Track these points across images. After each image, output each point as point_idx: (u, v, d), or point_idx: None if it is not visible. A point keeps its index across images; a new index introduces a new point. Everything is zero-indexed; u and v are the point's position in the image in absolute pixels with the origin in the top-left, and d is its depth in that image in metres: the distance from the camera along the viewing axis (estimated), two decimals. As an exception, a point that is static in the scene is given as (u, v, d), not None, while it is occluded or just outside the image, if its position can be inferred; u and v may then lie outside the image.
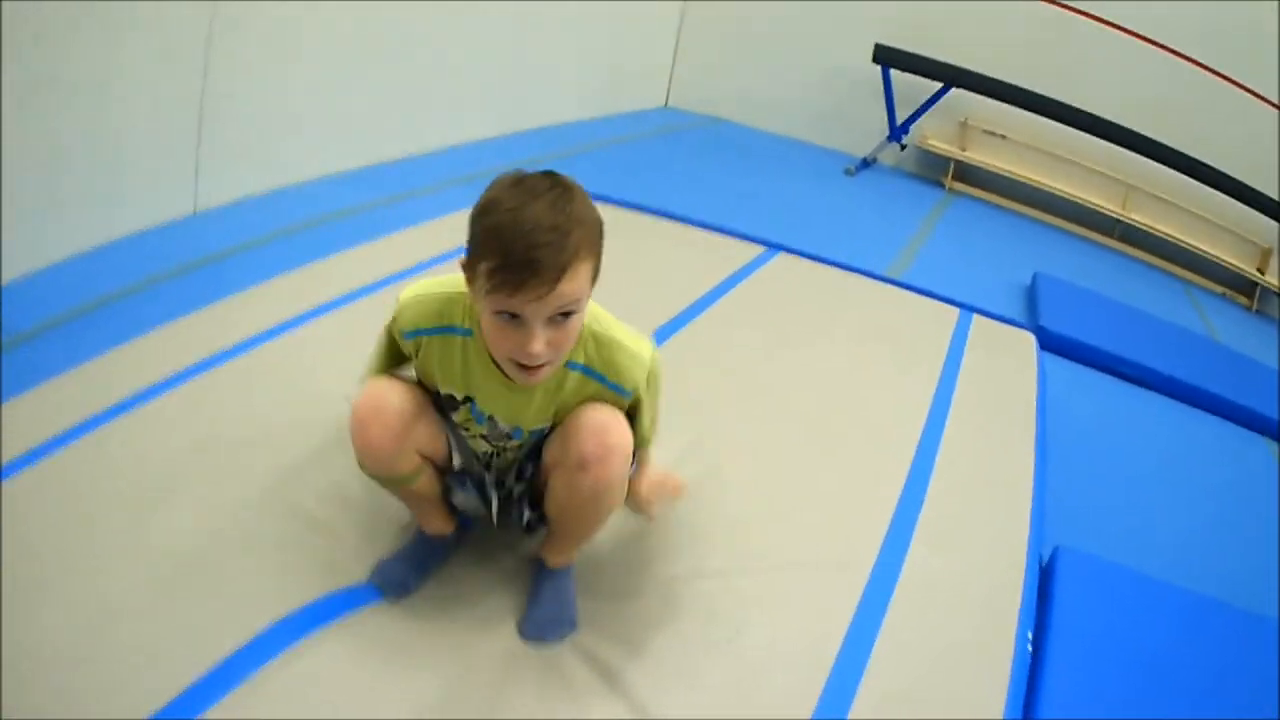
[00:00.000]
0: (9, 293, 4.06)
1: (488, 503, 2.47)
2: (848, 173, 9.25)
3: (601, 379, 2.24)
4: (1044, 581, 3.01)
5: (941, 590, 2.70)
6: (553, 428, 2.33)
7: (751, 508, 2.89)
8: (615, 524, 2.53)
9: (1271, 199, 8.56)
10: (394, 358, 2.37)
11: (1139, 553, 3.85)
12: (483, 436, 2.35)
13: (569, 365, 2.21)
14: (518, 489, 2.46)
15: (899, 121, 9.52)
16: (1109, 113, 8.77)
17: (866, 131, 9.73)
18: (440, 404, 2.33)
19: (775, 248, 5.09)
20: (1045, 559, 3.14)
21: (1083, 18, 9.10)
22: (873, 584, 2.65)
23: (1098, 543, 3.72)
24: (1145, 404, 5.53)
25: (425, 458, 2.34)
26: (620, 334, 2.27)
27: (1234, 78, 8.77)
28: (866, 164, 9.58)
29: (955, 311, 4.77)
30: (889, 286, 5.00)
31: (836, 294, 4.76)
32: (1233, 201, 8.70)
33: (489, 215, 1.98)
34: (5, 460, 2.51)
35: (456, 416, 2.34)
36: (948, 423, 3.64)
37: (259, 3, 5.20)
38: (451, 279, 2.22)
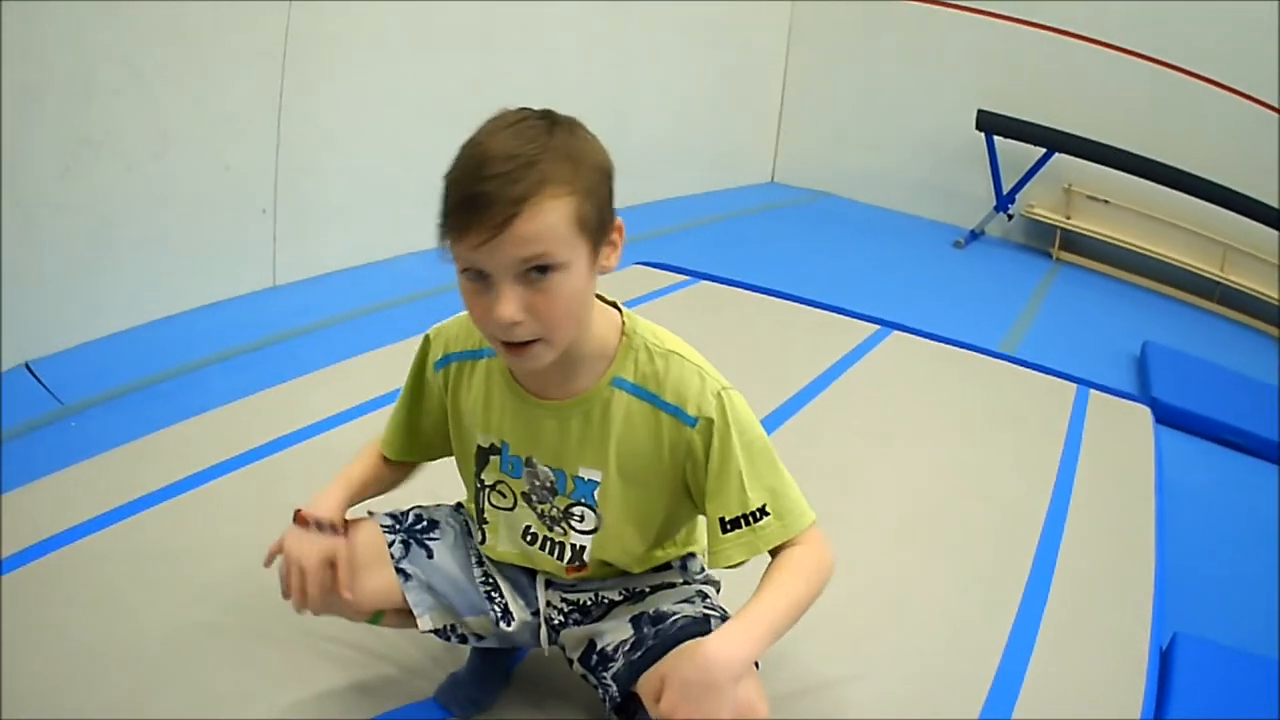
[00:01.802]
0: (71, 358, 4.17)
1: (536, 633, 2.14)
2: (957, 245, 9.23)
3: (656, 399, 1.88)
4: (1164, 670, 2.95)
5: (1063, 693, 2.66)
6: (642, 653, 1.95)
7: (868, 612, 2.83)
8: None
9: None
10: (416, 408, 2.11)
11: (1261, 629, 3.75)
12: (524, 498, 2.01)
13: (615, 383, 1.89)
14: (599, 691, 2.04)
15: (1005, 190, 9.51)
16: (1204, 170, 8.69)
17: (973, 202, 9.71)
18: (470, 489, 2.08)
19: (888, 326, 5.13)
20: (1165, 645, 3.09)
21: (1175, 73, 9.05)
22: (994, 694, 2.60)
23: (1219, 622, 3.66)
24: (1259, 473, 5.41)
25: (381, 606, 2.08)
26: (683, 349, 1.93)
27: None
28: (975, 236, 9.56)
29: (1072, 388, 4.79)
30: (1004, 363, 5.01)
31: (952, 373, 4.79)
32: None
33: (455, 158, 1.69)
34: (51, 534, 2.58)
35: (488, 478, 2.03)
36: (1069, 509, 3.62)
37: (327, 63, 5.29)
38: None
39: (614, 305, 1.95)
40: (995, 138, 9.32)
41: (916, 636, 2.77)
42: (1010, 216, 9.70)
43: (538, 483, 1.98)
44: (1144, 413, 4.71)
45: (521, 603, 2.13)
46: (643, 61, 8.01)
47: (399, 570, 2.05)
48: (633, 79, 7.85)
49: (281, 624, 2.34)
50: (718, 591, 2.18)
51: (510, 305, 1.65)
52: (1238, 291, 8.93)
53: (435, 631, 2.10)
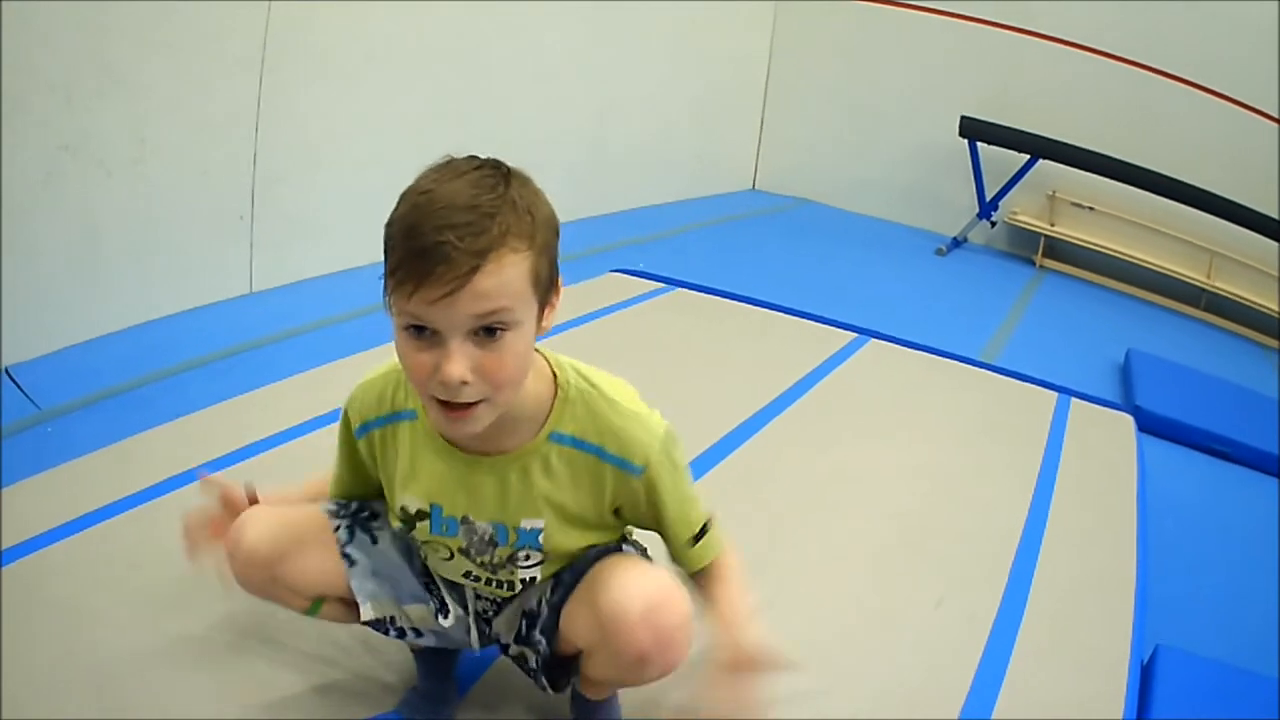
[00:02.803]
0: (50, 363, 4.16)
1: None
2: (939, 253, 9.19)
3: (599, 451, 1.83)
4: (1144, 683, 2.88)
5: (1040, 708, 2.58)
6: (561, 589, 1.96)
7: (840, 622, 2.76)
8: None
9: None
10: (354, 468, 2.04)
11: (1246, 642, 3.71)
12: (462, 552, 1.95)
13: (553, 438, 1.83)
14: (532, 658, 2.03)
15: (988, 198, 9.47)
16: (1190, 175, 8.67)
17: (956, 209, 9.68)
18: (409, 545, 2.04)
19: (865, 334, 5.06)
20: (1146, 658, 3.02)
21: (1162, 78, 9.00)
22: (968, 709, 2.52)
23: (1202, 633, 3.62)
24: (1245, 483, 5.36)
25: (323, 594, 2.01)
26: (619, 394, 1.87)
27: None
28: (957, 243, 9.52)
29: (1053, 396, 4.73)
30: (984, 372, 4.96)
31: (930, 382, 4.72)
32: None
33: (399, 202, 1.62)
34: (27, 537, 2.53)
35: (421, 536, 1.97)
36: (1049, 519, 3.55)
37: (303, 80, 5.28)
38: (393, 367, 1.88)
39: (540, 354, 1.87)
40: (979, 144, 9.28)
41: (888, 649, 2.70)
42: (993, 223, 9.66)
43: (476, 538, 1.92)
44: (1126, 421, 4.65)
45: (455, 599, 2.07)
46: (624, 68, 7.95)
47: (344, 555, 1.99)
48: (613, 86, 7.79)
49: (248, 634, 2.32)
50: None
51: (460, 365, 1.59)
52: (1224, 298, 8.90)
53: (374, 623, 2.03)
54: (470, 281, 1.53)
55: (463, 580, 2.02)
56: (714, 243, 8.19)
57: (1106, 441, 4.39)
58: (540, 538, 1.90)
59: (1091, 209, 9.35)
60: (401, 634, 2.07)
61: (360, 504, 2.07)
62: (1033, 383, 4.86)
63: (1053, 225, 9.52)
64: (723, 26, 9.52)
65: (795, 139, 10.47)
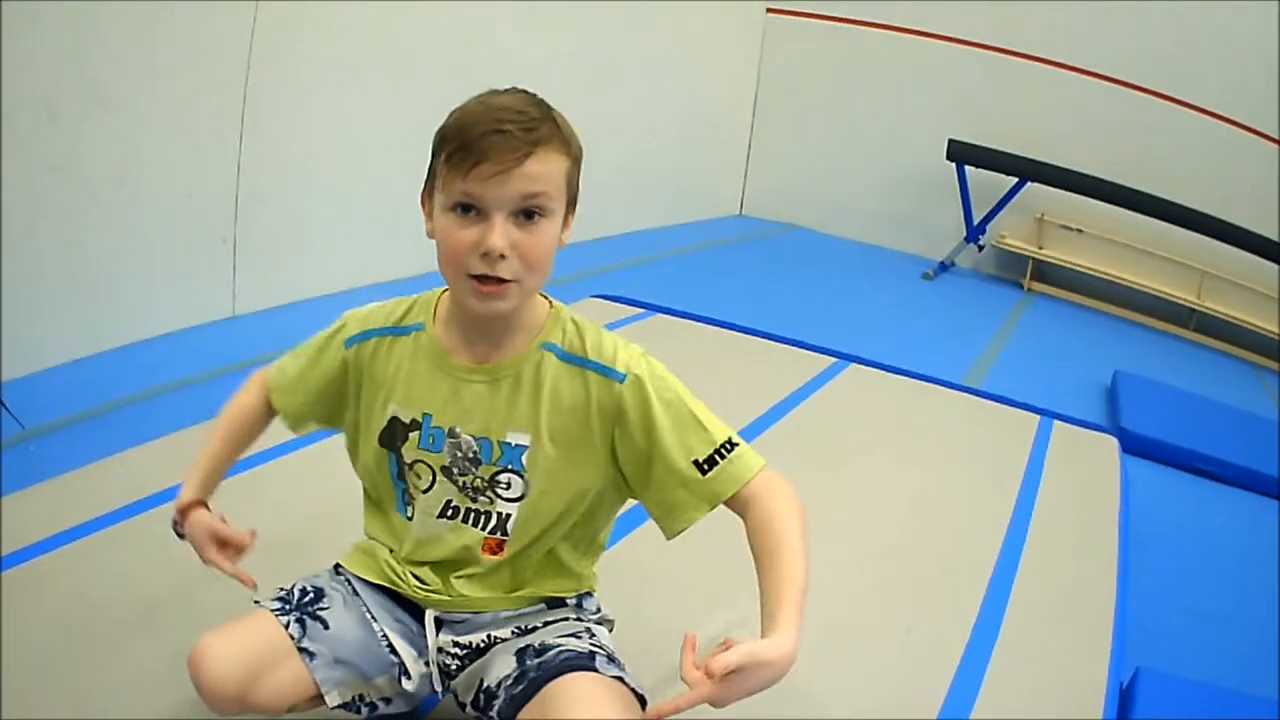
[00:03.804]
0: (34, 383, 4.17)
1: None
2: (926, 277, 9.18)
3: (583, 362, 1.91)
4: (1123, 706, 2.85)
5: None
6: (524, 684, 1.86)
7: (808, 647, 2.66)
8: (640, 666, 2.16)
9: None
10: (312, 379, 2.09)
11: (1231, 663, 3.71)
12: (444, 473, 1.96)
13: (545, 347, 1.92)
14: (487, 713, 1.95)
15: (975, 221, 9.45)
16: (1179, 196, 8.68)
17: (943, 233, 9.68)
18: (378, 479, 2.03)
19: (845, 359, 4.99)
20: (1126, 681, 2.97)
21: (1151, 97, 9.00)
22: None
23: (1186, 655, 3.62)
24: (1231, 503, 5.36)
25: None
26: (599, 327, 1.98)
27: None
28: (945, 267, 9.51)
29: (1035, 419, 4.66)
30: (965, 395, 4.92)
31: (909, 407, 4.66)
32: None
33: (449, 118, 1.81)
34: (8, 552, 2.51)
35: (407, 456, 1.98)
36: (1026, 542, 3.48)
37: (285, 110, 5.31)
38: (404, 298, 2.07)
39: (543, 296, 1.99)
40: (966, 168, 9.28)
41: (857, 674, 2.64)
42: (981, 247, 9.66)
43: (460, 454, 1.95)
44: (1110, 443, 4.58)
45: (414, 652, 2.03)
46: (609, 93, 7.92)
47: (302, 650, 1.94)
48: (598, 110, 7.68)
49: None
50: (610, 631, 2.11)
51: (502, 237, 1.74)
52: (1215, 319, 8.88)
53: (344, 705, 1.99)
54: (523, 164, 1.73)
55: (440, 527, 1.99)
56: (698, 268, 8.19)
57: (1089, 463, 4.33)
58: (524, 457, 1.92)
59: (1080, 231, 9.35)
60: (373, 708, 2.03)
61: (302, 589, 2.04)
62: (1014, 406, 4.80)
63: (1041, 248, 9.51)
64: (709, 51, 9.55)
65: (783, 164, 10.47)
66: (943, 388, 4.94)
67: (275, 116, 5.21)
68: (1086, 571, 3.40)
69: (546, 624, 2.03)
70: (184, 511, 2.04)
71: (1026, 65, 9.37)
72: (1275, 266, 8.49)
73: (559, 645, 1.93)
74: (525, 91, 1.84)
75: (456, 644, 2.03)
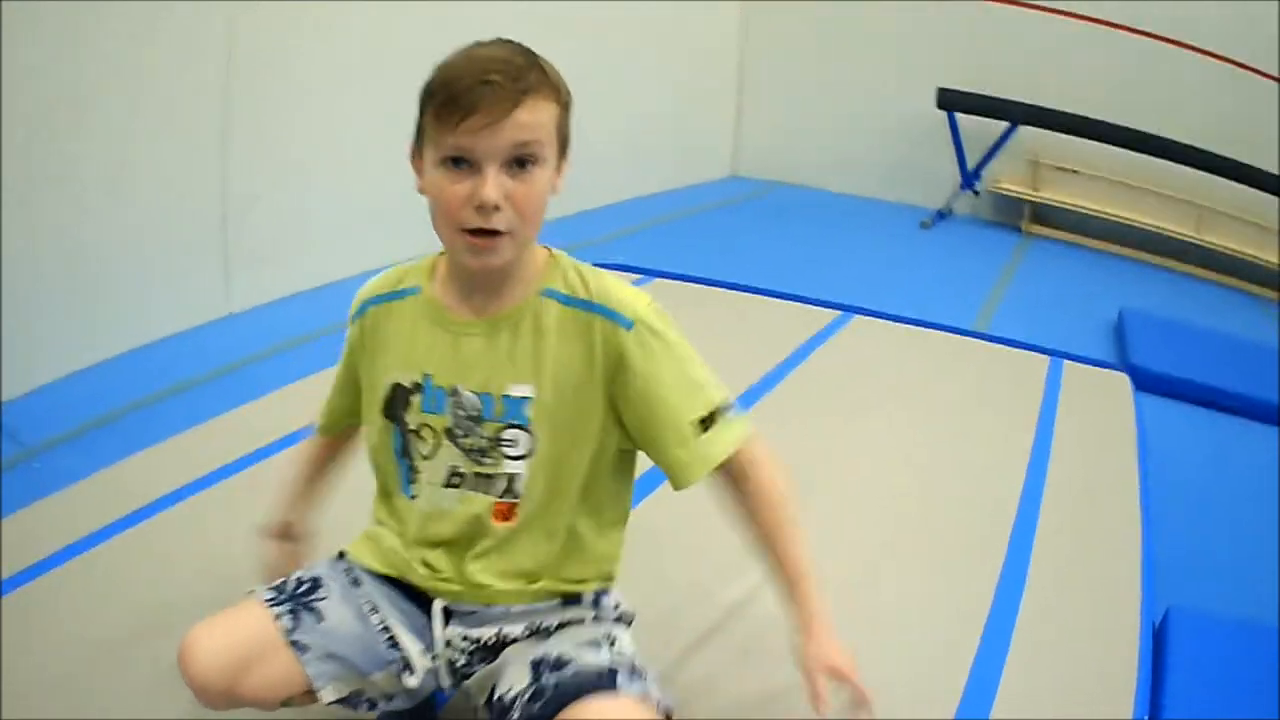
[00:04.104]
0: (37, 398, 4.19)
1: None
2: (924, 226, 9.14)
3: (588, 305, 1.86)
4: (1158, 646, 2.80)
5: (1049, 680, 2.48)
6: (540, 704, 1.79)
7: (840, 602, 2.61)
8: (666, 631, 2.27)
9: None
10: (349, 377, 2.09)
11: (1259, 597, 3.66)
12: (448, 435, 1.91)
13: (545, 293, 1.88)
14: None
15: (970, 168, 9.42)
16: (1171, 131, 8.63)
17: (939, 181, 9.60)
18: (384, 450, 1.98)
19: (849, 311, 4.94)
20: (1157, 621, 2.93)
21: (1140, 37, 8.93)
22: (971, 688, 2.40)
23: (1215, 590, 3.59)
24: (1247, 434, 5.33)
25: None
26: (600, 270, 1.94)
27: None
28: (942, 216, 9.45)
29: (1045, 360, 4.61)
30: (973, 340, 4.87)
31: (918, 355, 4.62)
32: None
33: (435, 71, 1.78)
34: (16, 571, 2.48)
35: (411, 421, 1.94)
36: (1046, 485, 3.43)
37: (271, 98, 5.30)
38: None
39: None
40: (957, 115, 9.23)
41: (885, 632, 2.55)
42: (977, 193, 9.59)
43: (462, 413, 1.90)
44: (1122, 380, 4.54)
45: (420, 646, 1.97)
46: (595, 66, 7.77)
47: (294, 644, 1.88)
48: (586, 84, 7.48)
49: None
50: (629, 626, 2.04)
51: (495, 188, 1.72)
52: (1215, 252, 8.83)
53: (340, 701, 1.94)
54: (512, 114, 1.71)
55: (449, 498, 1.93)
56: (695, 231, 8.14)
57: (1102, 402, 4.29)
58: (527, 409, 1.87)
59: (1076, 172, 9.29)
60: (372, 704, 1.99)
61: (298, 580, 1.99)
62: (1023, 348, 4.75)
63: (1037, 191, 9.45)
64: (693, 14, 9.42)
65: (772, 122, 10.39)
66: (950, 334, 4.89)
67: (259, 115, 5.20)
68: (1109, 512, 3.36)
69: (562, 625, 1.96)
70: (266, 533, 2.16)
71: (1014, 10, 9.29)
72: (1273, 199, 8.43)
73: (576, 659, 1.85)
74: (510, 41, 1.82)
75: (466, 638, 1.96)
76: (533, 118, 1.73)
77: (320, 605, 1.94)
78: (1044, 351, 4.71)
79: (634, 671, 1.84)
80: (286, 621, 1.89)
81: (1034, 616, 2.69)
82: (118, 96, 4.45)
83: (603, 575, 2.03)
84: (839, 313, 4.91)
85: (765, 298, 5.07)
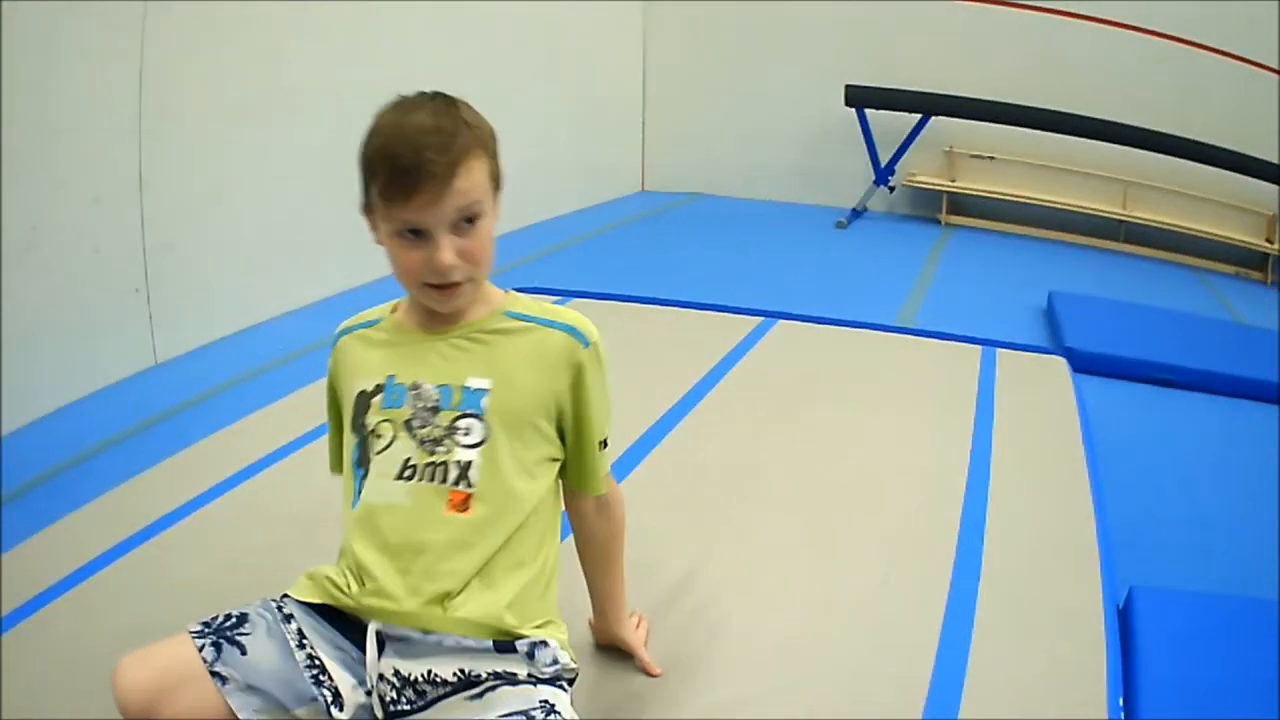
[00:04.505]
0: None
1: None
2: (839, 226, 9.11)
3: (550, 322, 2.03)
4: (1124, 626, 2.79)
5: (1016, 672, 2.39)
6: None
7: (786, 617, 2.56)
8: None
9: (1269, 161, 8.38)
10: (339, 416, 2.14)
11: (1218, 565, 3.72)
12: (405, 428, 1.97)
13: (507, 314, 2.05)
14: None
15: (883, 164, 9.40)
16: (1091, 109, 8.65)
17: (852, 180, 9.63)
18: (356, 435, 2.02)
19: (772, 316, 4.83)
20: (1121, 602, 2.90)
21: (1049, 15, 8.93)
22: (936, 685, 2.31)
23: (1174, 566, 3.63)
24: (1189, 406, 5.33)
25: None
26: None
27: (1217, 47, 8.65)
28: (857, 214, 9.46)
29: (977, 350, 4.52)
30: (902, 336, 4.79)
31: (846, 355, 4.51)
32: (1231, 176, 8.51)
33: (371, 139, 1.90)
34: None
35: (370, 422, 1.99)
36: (991, 476, 3.35)
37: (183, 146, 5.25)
38: None
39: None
40: (866, 111, 9.18)
41: (843, 637, 2.50)
42: (892, 189, 9.61)
43: (421, 404, 1.98)
44: (1060, 364, 4.48)
45: (353, 681, 1.93)
46: (500, 92, 7.73)
47: (214, 674, 1.86)
48: (492, 111, 7.56)
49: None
50: (570, 685, 2.01)
51: (449, 252, 1.87)
52: (1144, 226, 8.88)
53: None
54: (450, 185, 1.84)
55: (398, 491, 1.96)
56: (609, 249, 8.16)
57: (1041, 388, 4.22)
58: (484, 400, 1.97)
59: (992, 159, 9.33)
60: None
61: (226, 615, 1.96)
62: (953, 340, 4.66)
63: (953, 181, 9.47)
64: (592, 32, 9.47)
65: (680, 135, 10.38)
66: (877, 331, 4.80)
67: (172, 162, 5.20)
68: (1060, 498, 3.29)
69: (494, 678, 1.92)
70: None
71: (916, 2, 9.26)
72: (1199, 167, 8.50)
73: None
74: (433, 98, 1.95)
75: (398, 673, 1.91)
76: (469, 181, 1.87)
77: (243, 639, 1.93)
78: (976, 341, 4.62)
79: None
80: (209, 653, 1.89)
81: (994, 606, 2.63)
82: (26, 151, 4.42)
83: (538, 622, 2.00)
84: (762, 319, 4.81)
85: (685, 310, 4.98)
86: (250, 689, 1.88)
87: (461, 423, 1.96)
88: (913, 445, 3.61)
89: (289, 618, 1.97)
